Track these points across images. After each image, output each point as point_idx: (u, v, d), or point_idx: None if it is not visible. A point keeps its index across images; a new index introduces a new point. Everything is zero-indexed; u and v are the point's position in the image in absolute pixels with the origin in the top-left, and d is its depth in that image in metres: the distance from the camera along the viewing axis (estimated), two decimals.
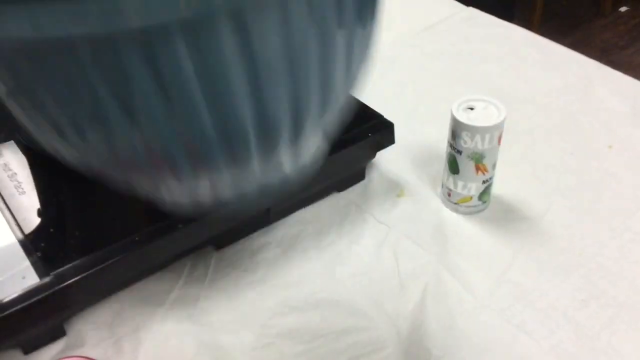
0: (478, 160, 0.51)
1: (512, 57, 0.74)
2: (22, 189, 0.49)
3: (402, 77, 0.72)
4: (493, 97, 0.51)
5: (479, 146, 0.50)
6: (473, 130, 0.49)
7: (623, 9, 2.11)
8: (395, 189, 0.57)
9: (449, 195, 0.54)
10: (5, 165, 0.51)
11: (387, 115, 0.56)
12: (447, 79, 0.71)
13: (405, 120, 0.60)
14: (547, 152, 0.61)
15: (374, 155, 0.57)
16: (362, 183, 0.58)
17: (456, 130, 0.50)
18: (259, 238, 0.53)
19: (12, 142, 0.54)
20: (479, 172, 0.52)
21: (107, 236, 0.45)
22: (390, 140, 0.56)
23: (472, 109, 0.51)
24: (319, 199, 0.57)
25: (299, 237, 0.54)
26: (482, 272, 0.49)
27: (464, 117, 0.50)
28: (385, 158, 0.60)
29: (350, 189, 0.58)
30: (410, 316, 0.47)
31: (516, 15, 1.88)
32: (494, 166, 0.52)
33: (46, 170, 0.52)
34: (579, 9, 2.15)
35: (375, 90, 0.69)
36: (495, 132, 0.50)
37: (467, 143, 0.50)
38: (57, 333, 0.46)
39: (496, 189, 0.56)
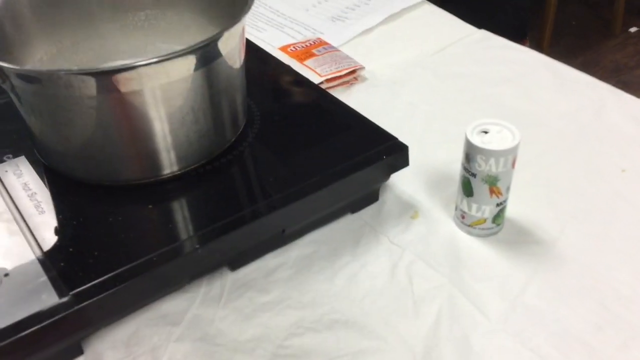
0: (492, 184, 0.51)
1: (524, 79, 0.75)
2: (42, 208, 0.50)
3: (414, 99, 0.72)
4: (506, 119, 0.52)
5: (494, 169, 0.50)
6: (487, 153, 0.50)
7: (633, 29, 2.12)
8: (409, 210, 0.58)
9: (463, 217, 0.55)
10: (25, 184, 0.52)
11: (400, 137, 0.56)
12: (459, 101, 0.72)
13: (417, 142, 0.61)
14: (561, 176, 0.61)
15: (388, 177, 0.58)
16: (375, 204, 0.59)
17: (470, 153, 0.51)
18: (273, 259, 0.54)
19: (24, 158, 0.55)
20: (493, 195, 0.52)
21: (125, 256, 0.46)
22: (405, 163, 0.56)
23: (486, 132, 0.52)
24: (332, 220, 0.57)
25: (313, 257, 0.54)
26: (496, 295, 0.50)
27: (478, 141, 0.50)
28: (398, 179, 0.60)
29: (364, 210, 0.58)
30: (424, 338, 0.47)
31: (527, 35, 1.89)
32: (508, 189, 0.53)
33: (65, 190, 0.52)
34: (589, 29, 2.15)
35: (388, 112, 0.70)
36: (510, 156, 0.50)
37: (482, 166, 0.51)
38: (75, 352, 0.46)
39: (509, 212, 0.56)
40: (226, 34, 0.49)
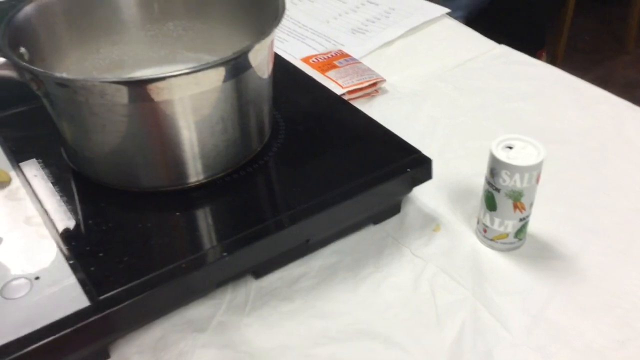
0: (516, 199, 0.52)
1: (543, 95, 0.75)
2: (71, 213, 0.51)
3: (434, 112, 0.73)
4: (526, 135, 0.52)
5: (518, 185, 0.51)
6: (513, 169, 0.50)
7: None
8: (431, 223, 0.58)
9: (485, 231, 0.55)
10: (55, 189, 0.53)
11: (421, 150, 0.57)
12: (479, 115, 0.72)
13: (439, 155, 0.61)
14: (581, 192, 0.62)
15: (410, 190, 0.58)
16: (397, 216, 0.59)
17: (495, 168, 0.51)
18: (296, 268, 0.54)
19: (53, 163, 0.55)
20: (517, 210, 0.52)
21: (154, 262, 0.47)
22: (428, 176, 0.57)
23: (511, 147, 0.52)
24: (355, 230, 0.57)
25: (336, 267, 0.54)
26: (518, 310, 0.50)
27: (503, 156, 0.51)
28: (419, 192, 0.61)
29: (386, 222, 0.58)
30: (448, 351, 0.47)
31: (544, 45, 1.90)
32: (531, 205, 0.53)
33: (93, 195, 0.53)
34: (601, 45, 2.16)
35: (409, 125, 0.71)
36: (535, 172, 0.51)
37: (506, 181, 0.51)
38: (102, 356, 0.47)
39: (530, 227, 0.56)
40: (257, 46, 0.50)
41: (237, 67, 0.50)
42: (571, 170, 0.64)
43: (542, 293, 0.52)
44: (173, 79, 0.47)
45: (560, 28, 1.91)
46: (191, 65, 0.47)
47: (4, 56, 0.48)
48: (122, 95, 0.47)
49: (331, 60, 0.79)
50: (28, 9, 0.54)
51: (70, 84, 0.47)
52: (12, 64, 0.48)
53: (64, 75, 0.53)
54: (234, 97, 0.51)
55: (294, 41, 0.87)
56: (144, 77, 0.47)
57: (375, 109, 0.73)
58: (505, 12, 1.80)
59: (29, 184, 0.54)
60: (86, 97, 0.47)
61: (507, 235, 0.54)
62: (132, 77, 0.48)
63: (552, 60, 1.94)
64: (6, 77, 0.49)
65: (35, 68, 0.47)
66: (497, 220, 0.54)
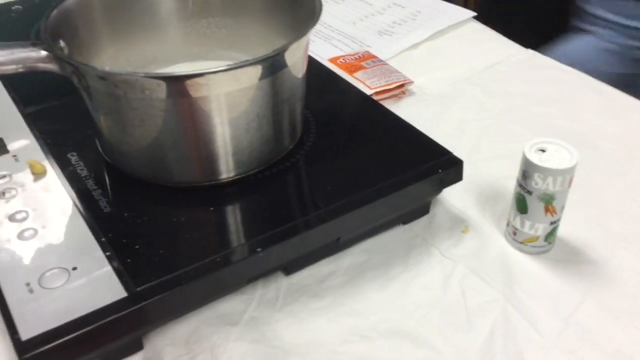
0: (548, 202, 0.52)
1: (571, 100, 0.75)
2: (107, 205, 0.52)
3: (463, 115, 0.73)
4: (560, 139, 0.53)
5: (551, 188, 0.51)
6: (546, 172, 0.50)
7: None
8: (460, 224, 0.58)
9: (515, 234, 0.55)
10: (90, 182, 0.54)
11: (447, 148, 0.57)
12: (508, 118, 0.72)
13: (467, 157, 0.61)
14: (611, 197, 0.61)
15: (440, 191, 0.58)
16: (426, 217, 0.59)
17: (528, 171, 0.52)
18: (326, 265, 0.55)
19: (88, 156, 0.56)
20: (548, 214, 0.53)
21: (189, 256, 0.47)
22: (458, 177, 0.57)
23: (543, 150, 0.52)
24: (384, 230, 0.58)
25: (365, 266, 0.55)
26: (549, 312, 0.50)
27: (536, 159, 0.51)
28: (448, 193, 0.61)
29: (415, 222, 0.59)
30: (479, 352, 0.47)
31: None
32: (562, 208, 0.53)
33: (129, 189, 0.54)
34: None
35: (437, 126, 0.71)
36: (568, 175, 0.51)
37: (539, 184, 0.51)
38: (135, 347, 0.47)
39: (560, 231, 0.56)
40: (294, 45, 0.50)
41: (274, 65, 0.50)
42: (600, 175, 0.64)
43: (572, 296, 0.52)
44: (212, 76, 0.47)
45: None
46: (223, 62, 0.48)
47: (46, 49, 0.49)
48: (162, 91, 0.47)
49: (359, 61, 0.79)
50: (68, 3, 0.55)
51: (112, 78, 0.47)
52: (53, 58, 0.49)
53: (107, 69, 0.54)
54: (270, 94, 0.52)
55: (320, 42, 0.87)
56: (184, 73, 0.47)
57: (402, 110, 0.73)
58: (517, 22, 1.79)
59: (64, 175, 0.54)
60: (126, 91, 0.47)
61: (537, 238, 0.54)
62: (172, 73, 0.49)
63: None
64: (46, 69, 0.50)
65: (80, 62, 0.48)
66: (527, 223, 0.54)
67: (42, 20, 0.52)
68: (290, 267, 0.54)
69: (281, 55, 0.50)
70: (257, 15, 0.62)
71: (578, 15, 1.21)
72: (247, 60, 0.48)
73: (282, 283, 0.53)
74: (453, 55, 0.85)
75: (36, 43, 0.49)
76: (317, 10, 0.53)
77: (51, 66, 0.50)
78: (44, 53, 0.49)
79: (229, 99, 0.49)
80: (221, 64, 0.47)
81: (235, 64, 0.48)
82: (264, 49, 0.49)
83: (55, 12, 0.53)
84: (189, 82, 0.47)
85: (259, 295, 0.52)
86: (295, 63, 0.53)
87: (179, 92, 0.48)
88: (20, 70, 0.50)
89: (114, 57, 0.60)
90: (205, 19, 0.63)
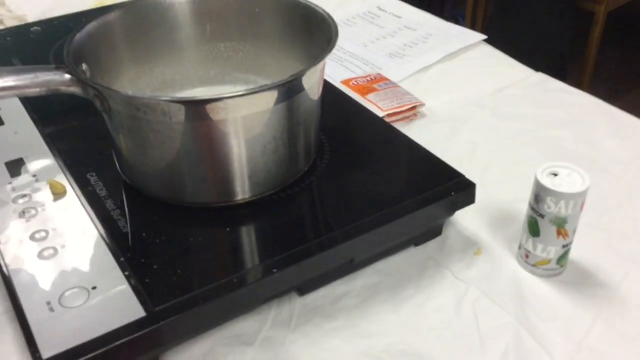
0: (560, 225, 0.52)
1: (582, 123, 0.76)
2: (126, 225, 0.53)
3: (473, 137, 0.74)
4: (571, 163, 0.53)
5: (563, 211, 0.52)
6: (558, 196, 0.51)
7: None
8: (472, 246, 0.59)
9: (527, 256, 0.56)
10: (109, 202, 0.55)
11: (460, 171, 0.58)
12: (519, 142, 0.73)
13: (478, 179, 0.62)
14: (621, 220, 0.62)
15: (453, 213, 0.59)
16: (438, 238, 0.60)
17: (540, 194, 0.52)
18: (339, 286, 0.55)
19: (107, 176, 0.57)
20: (560, 237, 0.53)
21: (206, 276, 0.48)
22: (471, 200, 0.58)
23: (555, 174, 0.53)
24: (396, 251, 0.58)
25: (378, 287, 0.55)
26: (561, 336, 0.50)
27: (549, 183, 0.52)
28: (460, 215, 0.61)
29: (427, 244, 0.59)
30: None
31: (566, 77, 1.91)
32: (574, 231, 0.54)
33: (147, 208, 0.55)
34: (627, 75, 2.16)
35: (448, 149, 0.72)
36: (580, 199, 0.51)
37: (551, 208, 0.52)
38: None
39: (571, 254, 0.57)
40: (311, 70, 0.51)
41: (291, 89, 0.52)
42: (610, 199, 0.65)
43: (584, 320, 0.52)
44: (230, 100, 0.49)
45: (587, 57, 1.91)
46: (240, 86, 0.49)
47: (69, 73, 0.50)
48: (182, 114, 0.48)
49: (371, 84, 0.80)
50: (90, 27, 0.56)
51: (135, 102, 0.48)
52: (77, 81, 0.50)
53: (128, 92, 0.55)
54: (286, 117, 0.53)
55: (333, 64, 0.89)
56: (204, 98, 0.48)
57: (414, 133, 0.74)
58: (525, 42, 1.81)
59: (83, 195, 0.56)
60: (147, 114, 0.49)
61: (549, 261, 0.55)
62: (192, 97, 0.50)
63: (578, 89, 1.94)
64: (69, 92, 0.51)
65: (104, 86, 0.49)
66: (539, 246, 0.54)
67: (65, 43, 0.53)
68: (304, 288, 0.54)
69: (298, 80, 0.51)
70: (273, 39, 0.64)
71: None
72: (264, 85, 0.49)
73: (296, 303, 0.54)
74: (463, 77, 0.86)
75: (59, 67, 0.51)
76: (333, 36, 0.55)
77: (74, 89, 0.51)
78: (67, 76, 0.50)
79: (246, 122, 0.51)
80: (239, 88, 0.49)
81: (253, 88, 0.49)
82: (280, 72, 0.50)
83: (78, 36, 0.55)
84: (208, 106, 0.48)
85: (273, 315, 0.52)
86: (311, 87, 0.54)
87: (198, 115, 0.49)
88: (44, 92, 0.51)
89: (134, 79, 0.62)
90: (223, 43, 0.65)
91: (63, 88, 0.51)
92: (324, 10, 0.59)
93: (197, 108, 0.48)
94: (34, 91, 0.51)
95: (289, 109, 0.53)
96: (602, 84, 2.07)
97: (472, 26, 2.19)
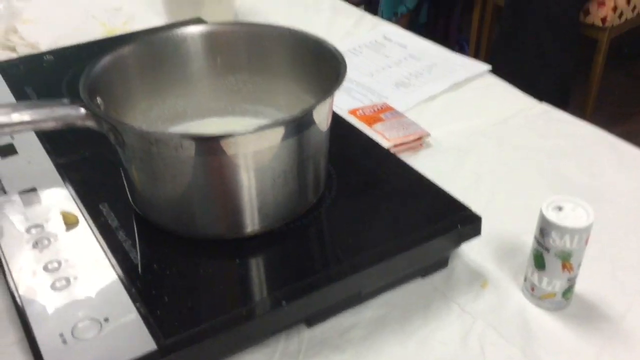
0: (565, 259, 0.53)
1: (585, 154, 0.77)
2: (137, 256, 0.53)
3: (478, 168, 0.75)
4: (569, 194, 0.54)
5: (568, 246, 0.52)
6: (563, 230, 0.52)
7: None
8: (478, 278, 0.60)
9: (533, 289, 0.56)
10: (120, 234, 0.56)
11: (466, 204, 0.59)
12: (523, 171, 0.74)
13: (484, 211, 0.63)
14: (625, 252, 0.63)
15: (459, 245, 0.60)
16: (445, 270, 0.61)
17: (545, 228, 0.53)
18: (347, 318, 0.56)
19: (119, 208, 0.58)
20: (565, 270, 0.54)
21: (216, 308, 0.49)
22: (477, 233, 0.59)
23: (560, 208, 0.54)
24: (403, 282, 0.59)
25: (385, 319, 0.56)
26: None
27: (554, 217, 0.52)
28: (466, 247, 0.62)
29: (434, 275, 0.60)
30: None
31: (569, 102, 1.92)
32: (579, 265, 0.54)
33: (157, 241, 0.56)
34: (630, 99, 2.17)
35: (454, 179, 0.73)
36: (584, 234, 0.52)
37: (556, 242, 0.53)
38: None
39: (577, 286, 0.57)
40: (320, 105, 0.53)
41: (301, 124, 0.53)
42: (614, 231, 0.65)
43: (589, 353, 0.52)
44: (241, 136, 0.50)
45: (591, 81, 1.93)
46: (249, 116, 0.50)
47: (85, 107, 0.51)
48: (193, 149, 0.50)
49: (377, 113, 0.81)
50: (105, 61, 0.58)
51: (149, 137, 0.50)
52: (92, 116, 0.52)
53: (142, 125, 0.56)
54: (296, 151, 0.54)
55: (340, 93, 0.90)
56: (216, 134, 0.50)
57: (420, 162, 0.75)
58: (529, 66, 1.82)
59: (95, 226, 0.56)
60: (160, 148, 0.50)
61: (554, 294, 0.55)
62: (204, 133, 0.51)
63: (581, 115, 1.96)
64: (84, 126, 0.53)
65: (119, 121, 0.50)
66: (545, 280, 0.55)
67: (79, 75, 0.54)
68: (312, 319, 0.55)
69: (308, 115, 0.53)
70: (283, 72, 0.65)
71: None
72: (275, 121, 0.50)
73: (304, 335, 0.54)
74: (468, 107, 0.87)
75: (75, 101, 0.52)
76: (342, 71, 0.56)
77: (89, 123, 0.52)
78: (82, 111, 0.52)
79: (257, 156, 0.52)
80: (248, 119, 0.50)
81: (264, 125, 0.50)
82: (289, 104, 0.51)
83: (92, 70, 0.56)
84: (220, 142, 0.49)
85: (282, 348, 0.53)
86: (320, 121, 0.55)
87: (210, 150, 0.50)
88: (59, 127, 0.52)
89: (146, 111, 0.63)
90: (233, 76, 0.66)
91: (79, 122, 0.52)
92: (332, 46, 0.60)
93: (209, 144, 0.50)
94: (50, 125, 0.52)
95: (299, 143, 0.54)
96: (606, 108, 2.08)
97: (477, 51, 2.22)
